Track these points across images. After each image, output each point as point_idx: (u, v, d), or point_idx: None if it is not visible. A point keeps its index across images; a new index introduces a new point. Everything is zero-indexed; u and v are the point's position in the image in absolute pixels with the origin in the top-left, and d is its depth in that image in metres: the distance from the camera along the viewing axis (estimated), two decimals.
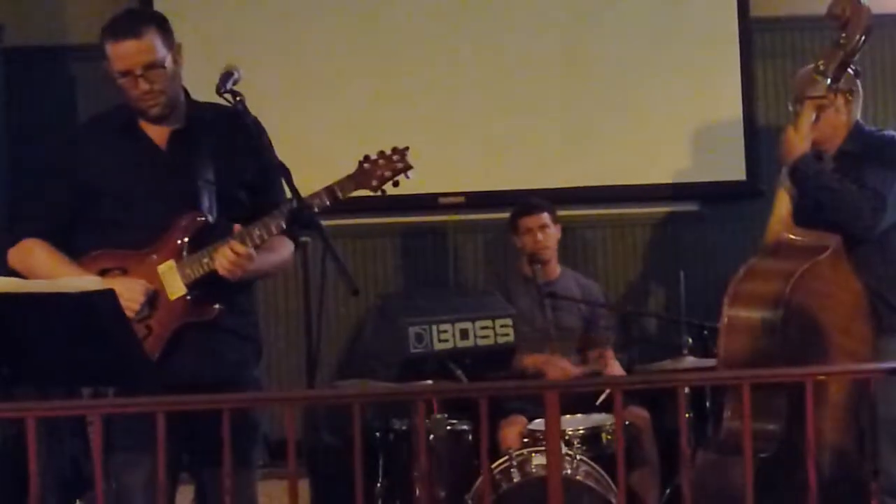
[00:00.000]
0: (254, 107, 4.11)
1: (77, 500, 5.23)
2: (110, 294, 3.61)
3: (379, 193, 4.09)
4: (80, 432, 5.25)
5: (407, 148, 4.12)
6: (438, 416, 4.86)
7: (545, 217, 5.98)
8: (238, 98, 4.05)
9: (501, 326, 4.72)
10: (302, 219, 3.90)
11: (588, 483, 4.96)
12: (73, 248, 4.11)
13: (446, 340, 4.63)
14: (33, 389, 4.16)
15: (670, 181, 6.47)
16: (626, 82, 6.46)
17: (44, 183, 4.22)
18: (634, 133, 6.45)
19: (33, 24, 6.39)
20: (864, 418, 4.14)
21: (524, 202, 6.07)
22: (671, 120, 6.45)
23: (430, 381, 4.64)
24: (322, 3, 6.49)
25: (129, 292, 3.96)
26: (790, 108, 4.73)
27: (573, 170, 6.45)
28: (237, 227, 3.97)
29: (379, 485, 5.54)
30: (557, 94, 6.48)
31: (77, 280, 3.74)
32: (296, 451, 3.29)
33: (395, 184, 4.10)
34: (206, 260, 3.99)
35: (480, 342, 4.69)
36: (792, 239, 4.45)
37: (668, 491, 5.67)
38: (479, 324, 4.69)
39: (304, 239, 3.88)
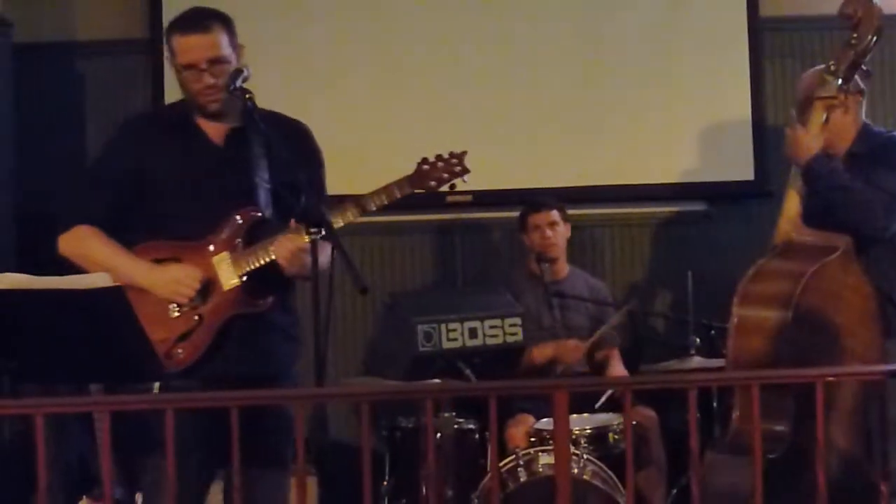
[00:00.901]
0: (259, 101, 4.15)
1: (84, 497, 5.23)
2: (119, 292, 3.62)
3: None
4: (87, 429, 5.25)
5: (465, 152, 4.21)
6: (446, 414, 4.86)
7: (554, 214, 5.97)
8: (248, 96, 4.07)
9: (510, 325, 4.72)
10: (312, 216, 3.91)
11: (595, 483, 4.96)
12: (126, 238, 4.16)
13: (455, 339, 4.63)
14: (40, 386, 4.17)
15: (678, 181, 6.46)
16: (635, 81, 6.45)
17: (100, 172, 4.27)
18: (643, 132, 6.45)
19: (42, 21, 6.41)
20: (873, 420, 4.13)
21: (534, 199, 6.07)
22: (680, 119, 6.45)
23: (437, 380, 4.64)
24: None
25: (186, 278, 4.05)
26: (792, 113, 4.72)
27: (581, 169, 6.45)
28: (293, 221, 4.01)
29: (385, 483, 5.55)
30: (566, 92, 6.47)
31: (88, 277, 3.76)
32: (304, 450, 3.28)
33: (452, 186, 4.21)
34: (261, 252, 4.05)
35: (489, 341, 4.68)
36: (802, 239, 4.45)
37: (674, 491, 5.67)
38: (487, 323, 4.68)
39: (313, 236, 3.89)
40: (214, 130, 4.21)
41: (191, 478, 3.98)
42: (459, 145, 6.16)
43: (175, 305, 4.08)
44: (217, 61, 4.07)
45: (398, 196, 4.13)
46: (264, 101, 4.14)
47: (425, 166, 4.18)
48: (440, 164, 4.18)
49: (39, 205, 5.97)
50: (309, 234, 3.87)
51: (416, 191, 4.16)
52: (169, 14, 6.26)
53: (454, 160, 4.20)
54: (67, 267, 4.10)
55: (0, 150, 5.98)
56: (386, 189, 4.13)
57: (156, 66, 6.33)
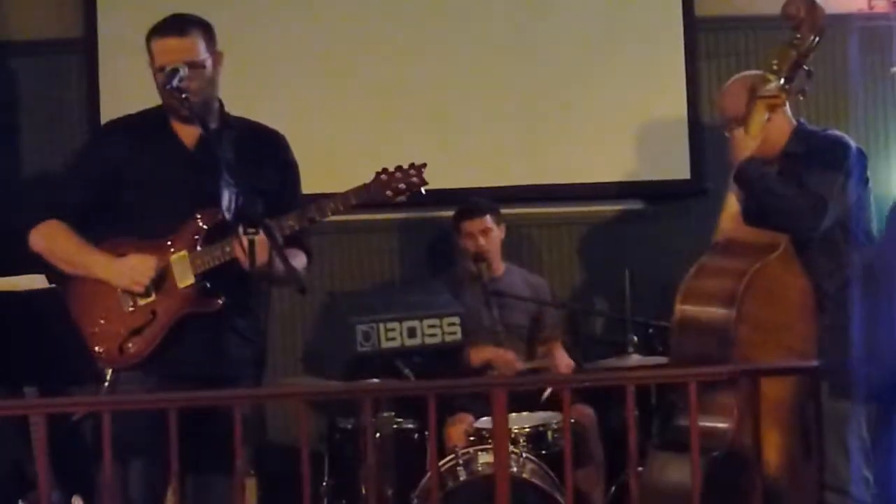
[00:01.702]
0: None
1: (20, 502, 5.17)
2: (56, 293, 3.61)
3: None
4: (22, 433, 5.19)
5: (424, 164, 4.27)
6: (385, 414, 4.86)
7: (487, 220, 5.97)
8: (183, 96, 4.10)
9: (449, 325, 4.72)
10: (249, 215, 3.93)
11: (534, 481, 4.97)
12: (94, 235, 4.26)
13: (394, 339, 4.62)
14: None
15: (615, 180, 6.47)
16: (571, 81, 6.46)
17: (77, 171, 4.41)
18: (580, 132, 6.45)
19: None
20: (809, 415, 4.16)
21: (466, 204, 6.05)
22: (616, 119, 6.46)
23: (376, 380, 4.63)
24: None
25: (140, 266, 4.14)
26: (725, 132, 4.75)
27: (519, 168, 6.44)
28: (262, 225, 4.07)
29: (324, 484, 5.54)
30: (502, 93, 6.47)
31: (24, 278, 3.75)
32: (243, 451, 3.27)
33: (409, 198, 4.28)
34: (218, 252, 4.13)
35: (428, 340, 4.68)
36: (743, 237, 4.47)
37: (612, 489, 5.69)
38: (426, 322, 4.68)
39: (250, 236, 3.90)
40: (187, 134, 4.28)
41: (146, 479, 3.99)
42: (397, 144, 6.23)
43: (130, 300, 4.15)
44: (191, 65, 4.14)
45: (353, 204, 4.20)
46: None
47: (383, 176, 4.25)
48: (398, 174, 4.25)
49: None
50: (246, 233, 3.90)
51: (373, 200, 4.19)
52: (104, 14, 6.30)
53: (412, 172, 4.26)
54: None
55: None
56: (342, 196, 4.20)
57: (90, 66, 6.29)
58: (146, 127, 4.33)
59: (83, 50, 6.34)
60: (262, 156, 4.32)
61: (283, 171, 4.39)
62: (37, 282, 3.78)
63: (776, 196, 4.52)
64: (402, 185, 4.24)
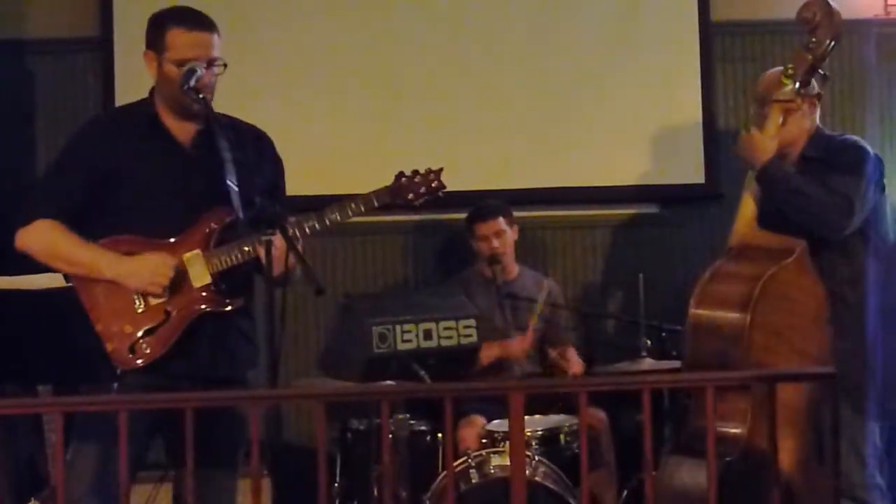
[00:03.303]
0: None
1: (33, 499, 5.18)
2: (70, 292, 3.60)
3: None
4: (36, 430, 5.21)
5: (441, 169, 4.31)
6: (401, 416, 4.86)
7: (500, 222, 5.97)
8: (201, 96, 4.07)
9: (465, 327, 4.72)
10: (268, 217, 3.93)
11: (547, 484, 4.96)
12: (87, 234, 4.12)
13: (410, 341, 4.62)
14: None
15: (630, 183, 6.48)
16: (587, 85, 6.47)
17: (64, 168, 4.24)
18: (595, 135, 6.46)
19: None
20: (825, 421, 4.16)
21: (479, 206, 6.05)
22: (632, 123, 6.46)
23: (390, 382, 4.63)
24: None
25: (158, 267, 4.06)
26: (751, 111, 4.73)
27: (534, 171, 6.45)
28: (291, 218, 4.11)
29: (336, 484, 5.54)
30: (518, 95, 6.48)
31: (39, 277, 3.73)
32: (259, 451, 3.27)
33: (428, 201, 4.30)
34: (235, 252, 4.09)
35: (444, 342, 4.68)
36: (757, 242, 4.47)
37: (625, 493, 5.69)
38: (442, 324, 4.68)
39: (267, 237, 3.90)
40: (181, 130, 4.23)
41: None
42: (413, 147, 6.23)
43: (140, 300, 4.08)
44: (213, 62, 4.12)
45: (375, 206, 4.22)
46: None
47: (403, 179, 4.28)
48: (418, 178, 4.28)
49: None
50: (263, 234, 3.90)
51: (394, 202, 4.23)
52: (120, 13, 6.30)
53: (432, 176, 4.30)
54: (10, 266, 4.06)
55: None
56: (364, 197, 4.21)
57: (106, 64, 6.30)
58: (138, 122, 4.23)
59: (99, 48, 6.36)
60: (255, 153, 4.29)
61: (275, 167, 4.37)
62: (55, 280, 3.75)
63: (803, 195, 4.51)
64: (422, 189, 4.27)
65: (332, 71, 6.43)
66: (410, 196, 4.27)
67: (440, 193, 4.30)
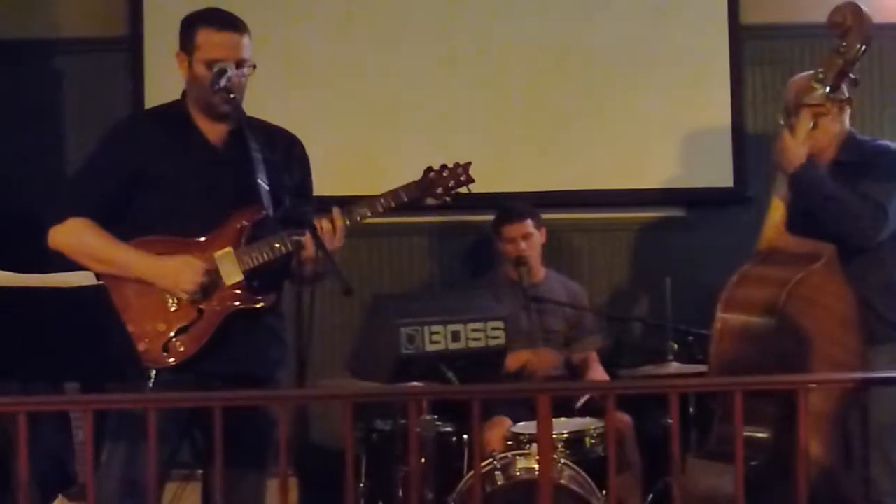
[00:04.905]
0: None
1: (60, 496, 5.20)
2: (102, 290, 3.61)
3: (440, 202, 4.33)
4: (63, 428, 5.23)
5: (469, 163, 4.33)
6: (428, 417, 4.85)
7: (528, 224, 5.97)
8: (231, 96, 4.09)
9: (493, 329, 4.73)
10: (298, 217, 3.94)
11: (572, 487, 4.95)
12: (118, 233, 4.14)
13: (437, 342, 4.63)
14: (15, 384, 4.14)
15: (658, 186, 6.46)
16: (616, 87, 6.45)
17: (97, 167, 4.25)
18: (623, 138, 6.45)
19: (21, 18, 6.37)
20: (854, 428, 4.14)
21: (507, 208, 6.05)
22: (660, 125, 6.44)
23: (416, 383, 4.63)
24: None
25: (191, 269, 4.06)
26: (781, 121, 4.71)
27: (561, 173, 6.44)
28: (335, 209, 4.15)
29: (362, 485, 5.54)
30: (546, 98, 6.47)
31: (70, 275, 3.74)
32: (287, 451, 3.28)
33: (456, 196, 4.32)
34: (266, 250, 4.10)
35: (472, 344, 4.69)
36: (786, 246, 4.45)
37: (650, 496, 5.68)
38: (470, 326, 4.69)
39: (297, 238, 3.91)
40: (212, 131, 4.25)
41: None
42: (441, 148, 6.22)
43: (173, 299, 4.09)
44: (242, 64, 4.15)
45: (405, 200, 4.23)
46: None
47: (432, 174, 4.29)
48: (446, 172, 4.29)
49: (16, 203, 5.97)
50: (294, 234, 3.91)
51: (423, 197, 4.25)
52: (149, 12, 6.31)
53: (460, 170, 4.32)
54: (41, 263, 4.07)
55: None
56: (393, 193, 4.23)
57: (136, 64, 6.32)
58: (170, 123, 4.26)
59: (129, 48, 6.38)
60: (284, 154, 4.31)
61: (303, 168, 4.38)
62: (86, 279, 3.76)
63: (837, 200, 4.48)
64: (451, 183, 4.28)
65: (354, 73, 6.45)
66: (440, 190, 4.27)
67: (468, 188, 4.29)
